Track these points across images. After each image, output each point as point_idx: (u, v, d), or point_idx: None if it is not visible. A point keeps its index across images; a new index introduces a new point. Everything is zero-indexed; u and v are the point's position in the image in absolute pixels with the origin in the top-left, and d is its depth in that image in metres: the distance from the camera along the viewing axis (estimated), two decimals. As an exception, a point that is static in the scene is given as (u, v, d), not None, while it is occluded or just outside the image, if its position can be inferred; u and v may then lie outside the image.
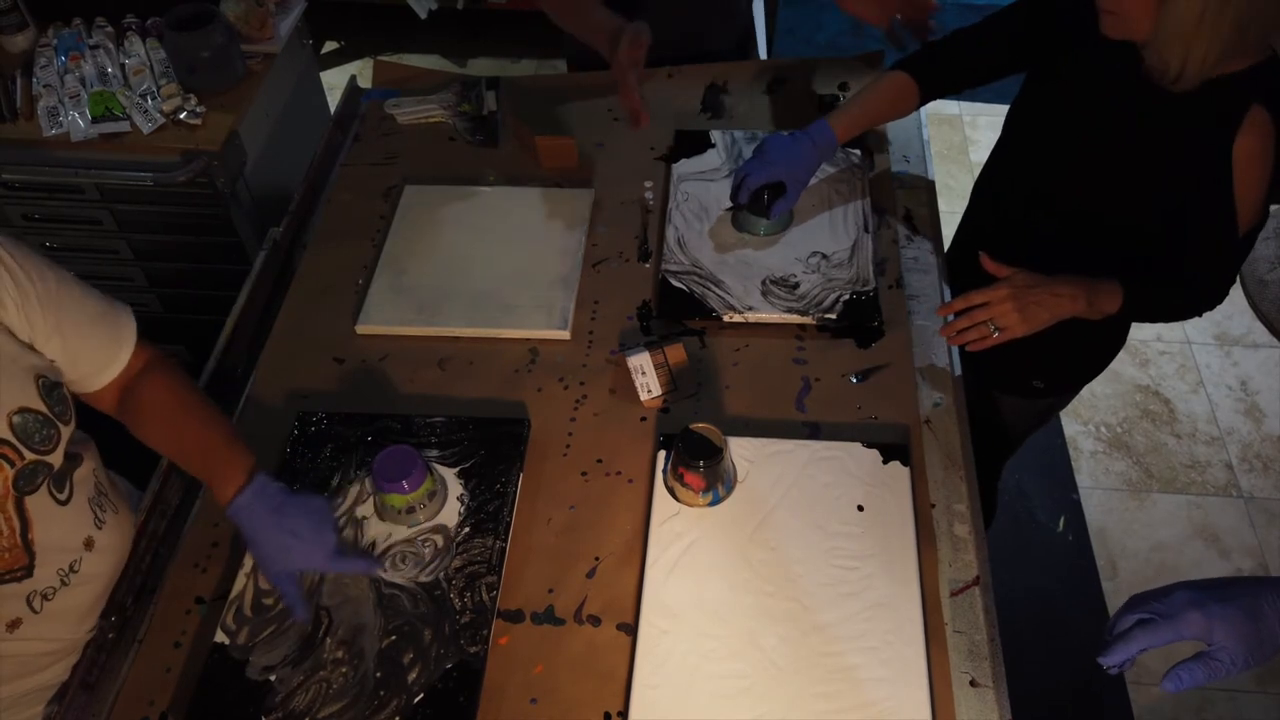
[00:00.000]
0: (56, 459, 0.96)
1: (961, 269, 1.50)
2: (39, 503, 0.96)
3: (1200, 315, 1.28)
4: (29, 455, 0.93)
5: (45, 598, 0.99)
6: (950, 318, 1.28)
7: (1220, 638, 0.84)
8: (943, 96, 1.45)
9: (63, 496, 1.00)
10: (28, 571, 0.96)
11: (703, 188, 1.57)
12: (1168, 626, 0.86)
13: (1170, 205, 1.21)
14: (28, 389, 0.93)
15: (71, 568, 1.01)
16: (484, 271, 1.45)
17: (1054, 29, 1.26)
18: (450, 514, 1.17)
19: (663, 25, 1.56)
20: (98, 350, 1.03)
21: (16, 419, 0.91)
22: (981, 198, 1.55)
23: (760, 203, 1.41)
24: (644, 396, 1.30)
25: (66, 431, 0.97)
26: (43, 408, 0.94)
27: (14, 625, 0.96)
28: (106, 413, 1.08)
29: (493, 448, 1.23)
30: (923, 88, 1.41)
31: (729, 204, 1.51)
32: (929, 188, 1.59)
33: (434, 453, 1.22)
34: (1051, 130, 1.31)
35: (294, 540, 1.02)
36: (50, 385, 0.96)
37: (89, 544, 1.04)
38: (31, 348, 0.96)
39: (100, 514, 1.06)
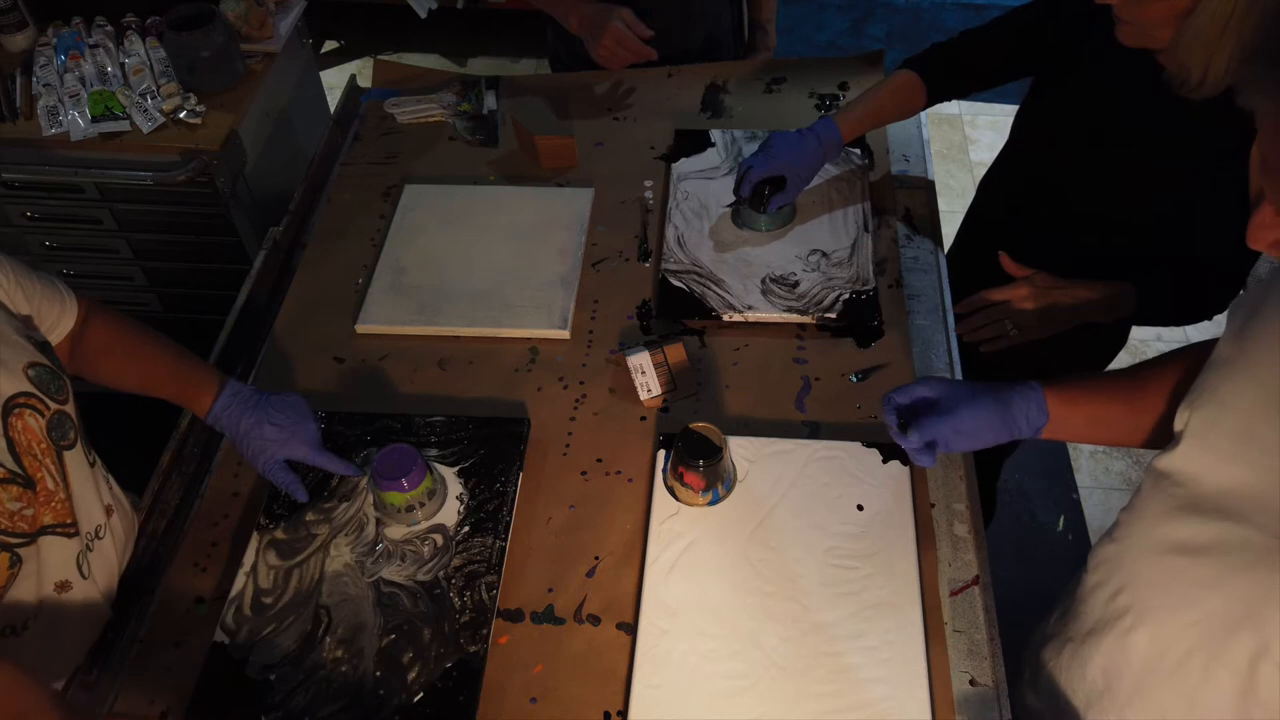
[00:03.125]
0: (72, 410, 1.01)
1: (964, 268, 1.50)
2: (75, 460, 1.01)
3: (1210, 319, 1.28)
4: (53, 405, 0.97)
5: (85, 558, 1.02)
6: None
7: (947, 390, 0.98)
8: (950, 99, 1.44)
9: (92, 458, 1.05)
10: (74, 528, 1.00)
11: (702, 186, 1.57)
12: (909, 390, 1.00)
13: (1183, 208, 1.20)
14: (28, 348, 0.97)
15: (97, 533, 1.05)
16: (484, 271, 1.45)
17: (1064, 32, 1.26)
18: (450, 513, 1.17)
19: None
20: (53, 302, 1.07)
21: (31, 372, 0.96)
22: (989, 198, 1.54)
23: (760, 196, 1.42)
24: (644, 396, 1.30)
25: (69, 384, 1.02)
26: (46, 362, 0.99)
27: (63, 587, 1.00)
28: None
29: (492, 447, 1.23)
30: (930, 88, 1.40)
31: (729, 202, 1.51)
32: (929, 188, 1.59)
33: (434, 452, 1.22)
34: (1064, 132, 1.30)
35: (274, 430, 1.12)
36: (41, 343, 1.00)
37: (109, 511, 1.08)
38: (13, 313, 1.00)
39: (110, 487, 1.11)
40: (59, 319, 1.08)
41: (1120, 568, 0.90)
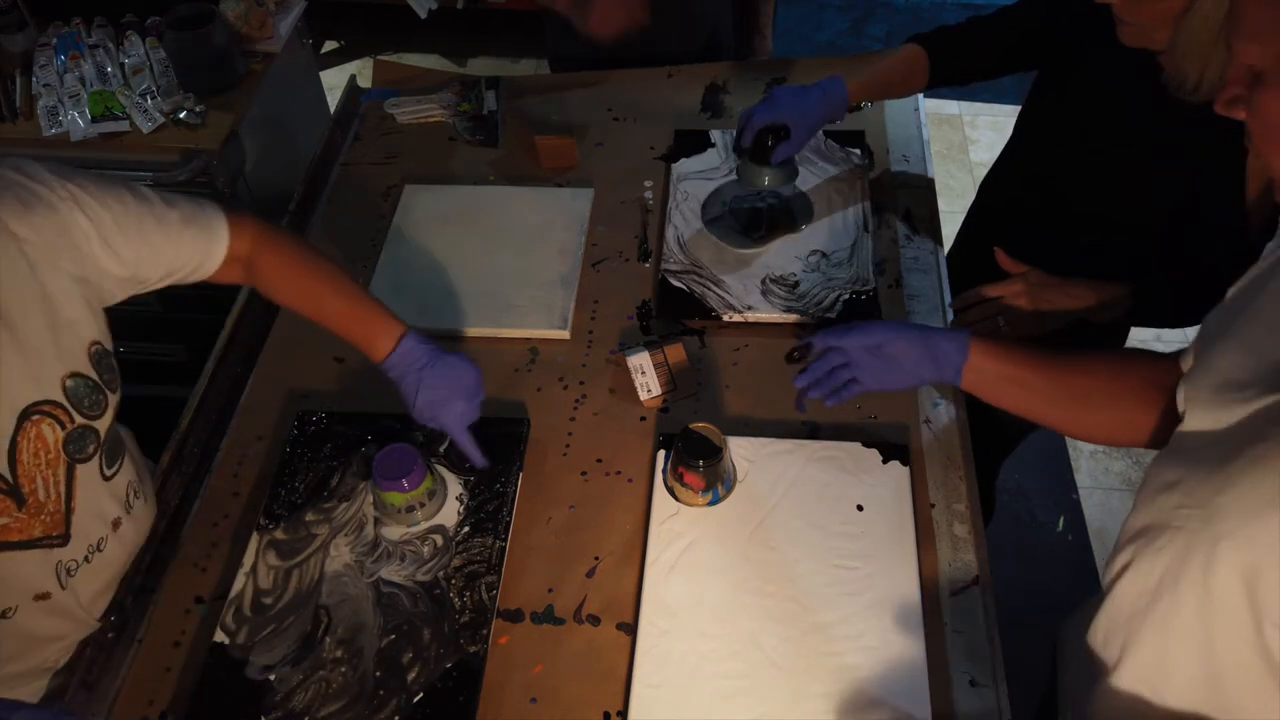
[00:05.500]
0: (103, 425, 1.00)
1: (964, 267, 1.50)
2: (88, 473, 1.00)
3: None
4: (78, 419, 0.97)
5: (69, 573, 1.01)
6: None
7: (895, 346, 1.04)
8: (951, 83, 1.43)
9: (110, 472, 1.04)
10: (63, 540, 0.99)
11: (702, 186, 1.57)
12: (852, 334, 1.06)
13: (1181, 211, 1.20)
14: (80, 356, 0.97)
15: (98, 546, 1.04)
16: (484, 271, 1.45)
17: (1067, 30, 1.26)
18: (450, 513, 1.17)
19: None
20: (195, 247, 1.07)
21: (69, 383, 0.95)
22: (990, 197, 1.54)
23: (763, 147, 1.37)
24: (644, 396, 1.30)
25: (114, 399, 1.01)
26: (93, 374, 0.98)
27: (42, 597, 0.99)
28: (241, 284, 1.16)
29: (492, 447, 1.22)
30: (934, 65, 1.40)
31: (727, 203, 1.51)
32: (929, 188, 1.59)
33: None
34: (1064, 131, 1.30)
35: (425, 399, 1.11)
36: (101, 354, 1.00)
37: (116, 525, 1.07)
38: (92, 314, 0.99)
39: (131, 499, 1.10)
40: (202, 263, 1.08)
41: (1125, 532, 0.90)
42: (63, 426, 0.95)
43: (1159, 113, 1.15)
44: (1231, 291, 0.85)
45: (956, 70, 1.42)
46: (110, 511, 1.06)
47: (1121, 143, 1.23)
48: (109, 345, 1.02)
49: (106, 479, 1.04)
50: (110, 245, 0.97)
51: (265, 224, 1.14)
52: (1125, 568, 0.86)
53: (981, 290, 1.26)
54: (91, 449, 0.99)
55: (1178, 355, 0.93)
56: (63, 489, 0.97)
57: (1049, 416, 1.02)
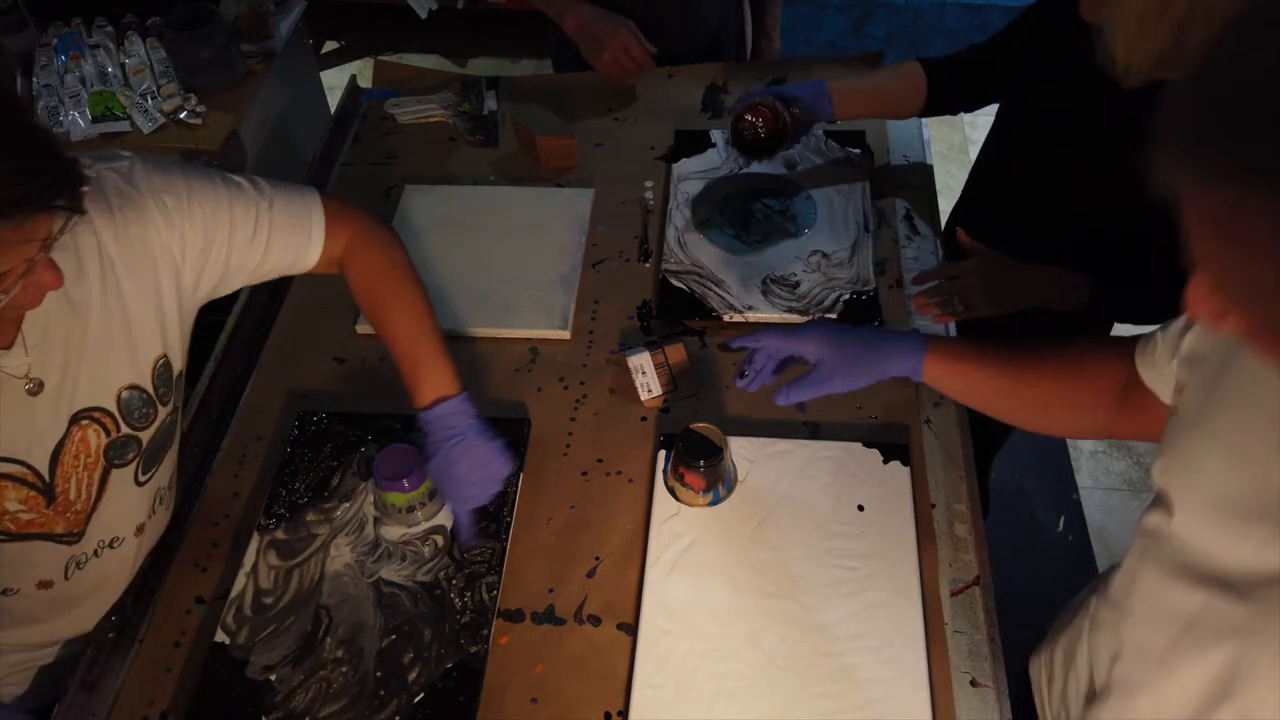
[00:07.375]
0: (147, 435, 1.00)
1: (954, 250, 1.50)
2: (121, 478, 1.00)
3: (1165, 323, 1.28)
4: (124, 429, 0.97)
5: (78, 565, 1.02)
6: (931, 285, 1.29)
7: (827, 355, 1.05)
8: (944, 109, 1.44)
9: (144, 478, 1.04)
10: (78, 538, 0.99)
11: (702, 187, 1.57)
12: (791, 341, 1.06)
13: (1145, 210, 1.20)
14: (144, 370, 0.98)
15: (110, 543, 1.04)
16: (484, 271, 1.45)
17: (1050, 48, 1.26)
18: (450, 514, 1.17)
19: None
20: (285, 255, 1.06)
21: (125, 394, 0.96)
22: (974, 184, 1.55)
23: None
24: (644, 396, 1.30)
25: (163, 412, 1.02)
26: (149, 388, 0.99)
27: (45, 585, 1.00)
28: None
29: (493, 447, 1.22)
30: (931, 86, 1.40)
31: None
32: (929, 188, 1.59)
33: (434, 452, 1.22)
34: (1038, 126, 1.31)
35: (439, 470, 1.07)
36: (163, 369, 1.00)
37: (140, 530, 1.08)
38: (163, 329, 0.99)
39: (156, 505, 1.10)
40: (291, 266, 1.07)
41: (1117, 632, 0.88)
42: (107, 434, 0.96)
43: (1114, 111, 1.15)
44: (1190, 342, 0.80)
45: (952, 96, 1.43)
46: (137, 517, 1.06)
47: (1080, 140, 1.23)
48: (178, 359, 1.02)
49: (139, 484, 1.04)
50: (198, 259, 0.98)
51: (368, 228, 1.11)
52: (1137, 692, 0.83)
53: (939, 270, 1.27)
54: (131, 456, 1.00)
55: (1133, 342, 0.90)
56: (94, 491, 0.98)
57: (1007, 419, 1.03)
